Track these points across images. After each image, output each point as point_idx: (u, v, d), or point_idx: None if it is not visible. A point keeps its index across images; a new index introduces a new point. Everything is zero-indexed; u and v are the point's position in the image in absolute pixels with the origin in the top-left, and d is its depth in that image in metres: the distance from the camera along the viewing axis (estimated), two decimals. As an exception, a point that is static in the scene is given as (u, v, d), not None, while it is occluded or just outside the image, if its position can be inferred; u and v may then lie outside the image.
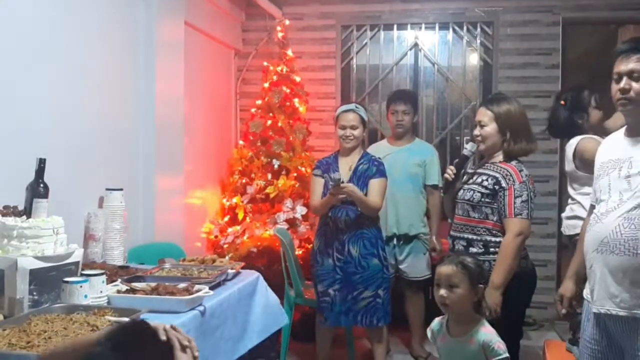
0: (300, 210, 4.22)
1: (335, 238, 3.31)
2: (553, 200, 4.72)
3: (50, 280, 2.00)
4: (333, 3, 4.97)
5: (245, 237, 4.16)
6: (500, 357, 2.15)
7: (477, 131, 2.71)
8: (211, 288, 2.30)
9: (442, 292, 2.23)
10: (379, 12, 4.95)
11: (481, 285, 2.30)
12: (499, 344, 2.17)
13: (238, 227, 4.27)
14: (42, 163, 2.39)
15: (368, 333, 3.50)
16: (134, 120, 3.34)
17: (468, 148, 2.77)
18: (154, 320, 1.92)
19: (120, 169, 3.22)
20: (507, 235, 2.54)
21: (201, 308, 2.16)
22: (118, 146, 3.21)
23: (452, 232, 2.76)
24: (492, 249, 2.59)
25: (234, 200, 4.45)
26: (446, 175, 2.78)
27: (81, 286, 1.98)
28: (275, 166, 4.43)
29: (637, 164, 1.93)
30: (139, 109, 3.36)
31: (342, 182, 3.14)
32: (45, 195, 2.36)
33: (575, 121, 3.09)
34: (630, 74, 1.94)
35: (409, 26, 4.97)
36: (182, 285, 2.25)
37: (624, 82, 1.95)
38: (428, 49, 4.97)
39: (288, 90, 4.55)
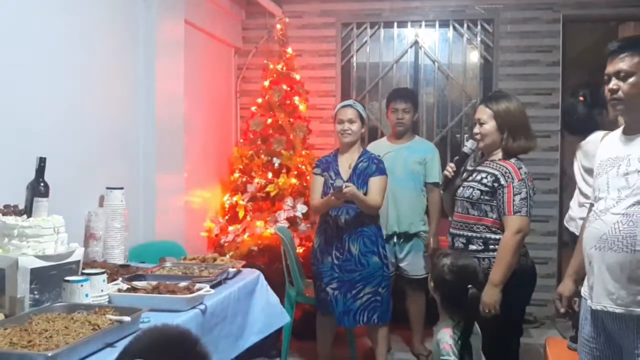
0: (301, 209, 4.22)
1: (336, 236, 3.32)
2: (554, 198, 4.72)
3: (51, 279, 2.00)
4: (333, 1, 4.97)
5: (245, 236, 4.16)
6: (443, 357, 2.13)
7: (476, 129, 2.72)
8: (212, 287, 2.31)
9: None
10: (379, 10, 4.95)
11: None
12: (445, 345, 2.14)
13: (238, 226, 4.27)
14: (42, 162, 2.39)
15: (369, 331, 3.50)
16: (135, 119, 3.34)
17: (468, 146, 2.77)
18: (155, 319, 1.93)
19: (121, 167, 3.22)
20: (507, 232, 2.54)
21: (202, 307, 2.16)
22: (118, 145, 3.22)
23: (451, 230, 2.77)
24: (491, 246, 2.59)
25: (235, 198, 4.45)
26: (445, 173, 2.78)
27: (82, 285, 1.98)
28: (276, 164, 4.43)
29: (635, 161, 1.94)
30: (139, 108, 3.37)
31: (346, 187, 3.14)
32: (45, 194, 2.37)
33: (594, 117, 3.07)
34: (618, 74, 1.96)
35: (409, 24, 4.97)
36: (183, 284, 2.25)
37: (612, 83, 1.97)
38: (428, 46, 4.97)
39: (288, 89, 4.56)
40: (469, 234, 2.65)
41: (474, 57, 4.96)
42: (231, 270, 2.63)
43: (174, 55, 3.64)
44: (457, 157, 2.81)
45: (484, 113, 2.69)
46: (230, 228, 4.30)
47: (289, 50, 4.67)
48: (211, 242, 4.37)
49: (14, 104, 2.43)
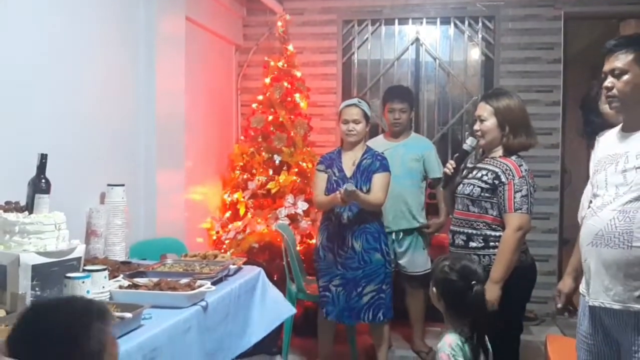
0: (302, 206, 4.22)
1: (339, 233, 3.33)
2: (554, 195, 4.72)
3: (52, 275, 2.00)
4: (334, -2, 4.97)
5: (246, 233, 4.17)
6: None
7: (477, 126, 2.72)
8: (213, 283, 2.31)
9: None
10: (380, 7, 4.94)
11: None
12: (442, 355, 2.09)
13: (239, 223, 4.28)
14: (43, 159, 2.39)
15: (372, 328, 3.50)
16: (135, 116, 3.34)
17: (468, 143, 2.77)
18: (157, 315, 1.94)
19: (122, 164, 3.23)
20: (507, 230, 2.54)
21: (203, 303, 2.17)
22: (119, 142, 3.22)
23: (452, 227, 2.77)
24: (492, 244, 2.59)
25: (235, 195, 4.45)
26: (446, 170, 2.78)
27: (83, 282, 1.98)
28: (277, 162, 4.43)
29: (633, 158, 1.94)
30: (139, 105, 3.36)
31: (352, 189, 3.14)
32: (47, 190, 2.37)
33: (593, 121, 3.05)
34: (613, 72, 1.97)
35: (410, 21, 4.96)
36: (184, 280, 2.26)
37: (607, 81, 1.98)
38: (429, 43, 4.96)
39: (289, 86, 4.55)
40: (469, 231, 2.66)
41: (475, 54, 4.95)
42: (232, 267, 2.63)
43: (174, 52, 3.64)
44: (457, 154, 2.81)
45: (485, 110, 2.69)
46: (231, 225, 4.30)
47: (290, 47, 4.66)
48: (212, 239, 4.38)
49: (14, 100, 2.43)
